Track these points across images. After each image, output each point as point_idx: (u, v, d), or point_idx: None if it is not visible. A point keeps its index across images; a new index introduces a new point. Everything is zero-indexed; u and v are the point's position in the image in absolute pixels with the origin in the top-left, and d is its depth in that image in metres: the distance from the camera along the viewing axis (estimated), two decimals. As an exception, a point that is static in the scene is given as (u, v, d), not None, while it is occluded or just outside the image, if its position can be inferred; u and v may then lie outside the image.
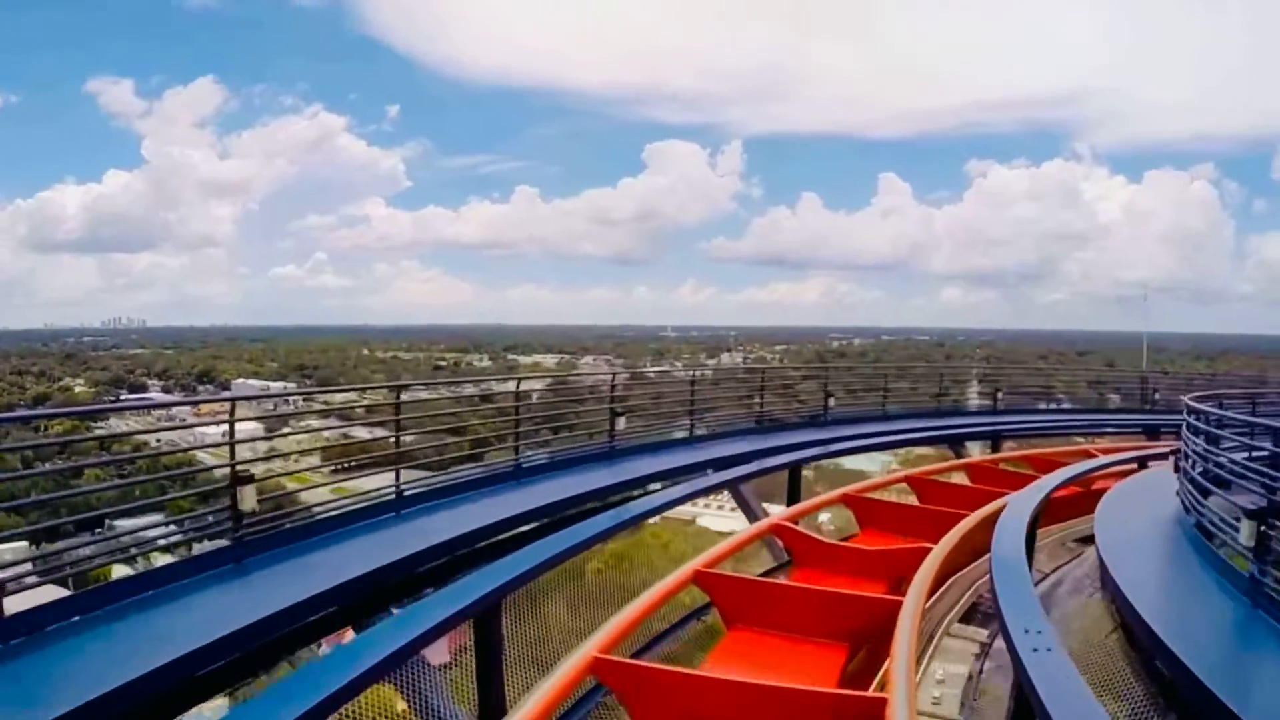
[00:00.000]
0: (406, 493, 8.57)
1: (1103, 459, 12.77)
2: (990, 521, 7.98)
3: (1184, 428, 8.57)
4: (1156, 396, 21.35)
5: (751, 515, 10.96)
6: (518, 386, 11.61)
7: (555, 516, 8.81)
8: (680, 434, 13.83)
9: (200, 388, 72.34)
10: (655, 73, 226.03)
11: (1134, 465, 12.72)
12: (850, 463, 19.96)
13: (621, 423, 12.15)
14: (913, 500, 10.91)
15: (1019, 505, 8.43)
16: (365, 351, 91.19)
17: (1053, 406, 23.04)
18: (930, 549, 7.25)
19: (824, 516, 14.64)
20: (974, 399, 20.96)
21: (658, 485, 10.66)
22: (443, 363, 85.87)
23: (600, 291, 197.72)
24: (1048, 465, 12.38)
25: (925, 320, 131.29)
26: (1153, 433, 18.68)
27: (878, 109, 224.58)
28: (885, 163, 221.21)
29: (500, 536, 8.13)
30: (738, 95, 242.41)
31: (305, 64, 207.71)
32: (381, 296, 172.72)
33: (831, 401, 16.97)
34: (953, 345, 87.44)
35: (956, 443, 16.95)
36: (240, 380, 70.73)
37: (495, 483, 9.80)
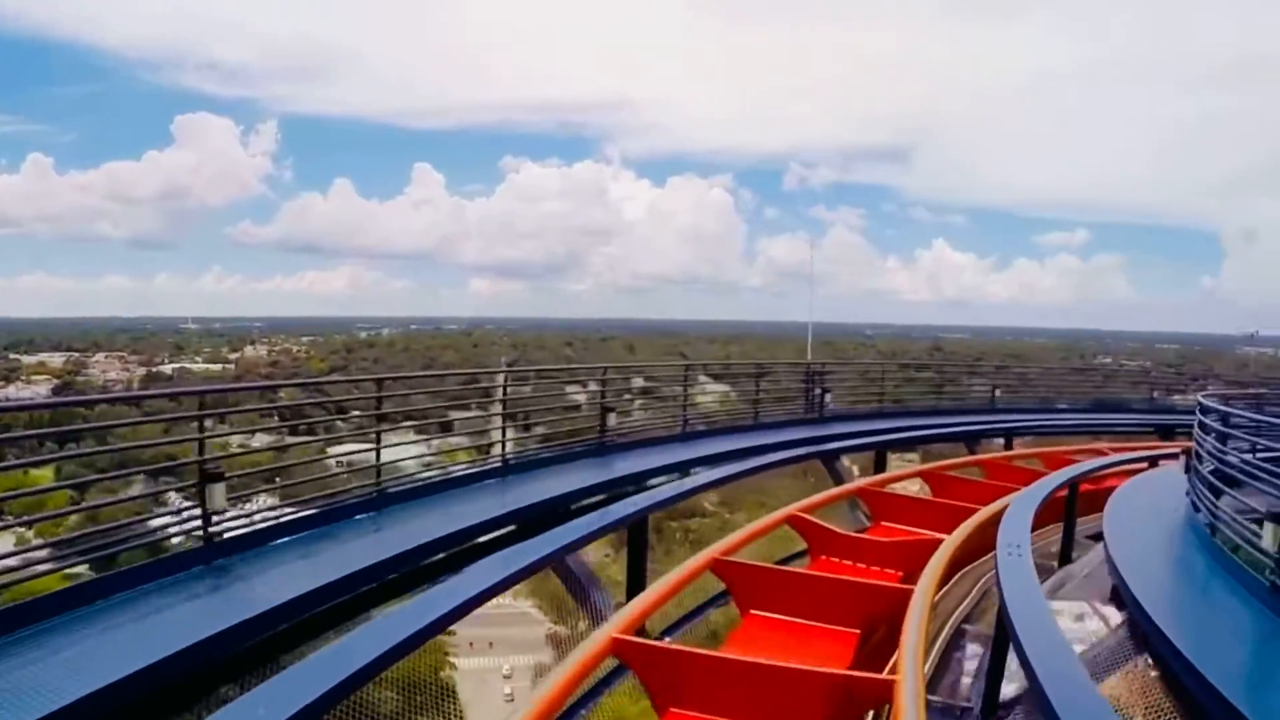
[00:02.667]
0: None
1: (1112, 457, 12.85)
2: (969, 542, 7.97)
3: (1195, 426, 8.59)
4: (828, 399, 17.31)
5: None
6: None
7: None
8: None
9: None
10: (196, 36, 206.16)
11: (1144, 464, 12.77)
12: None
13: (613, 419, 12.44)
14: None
15: (1024, 501, 8.55)
16: None
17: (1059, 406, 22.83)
18: (942, 540, 7.40)
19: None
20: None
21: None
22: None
23: (118, 279, 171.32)
24: (1059, 463, 12.46)
25: (454, 310, 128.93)
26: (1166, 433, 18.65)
27: (420, 99, 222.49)
28: (422, 153, 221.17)
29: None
30: (280, 71, 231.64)
31: None
32: None
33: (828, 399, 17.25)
34: (480, 334, 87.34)
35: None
36: None
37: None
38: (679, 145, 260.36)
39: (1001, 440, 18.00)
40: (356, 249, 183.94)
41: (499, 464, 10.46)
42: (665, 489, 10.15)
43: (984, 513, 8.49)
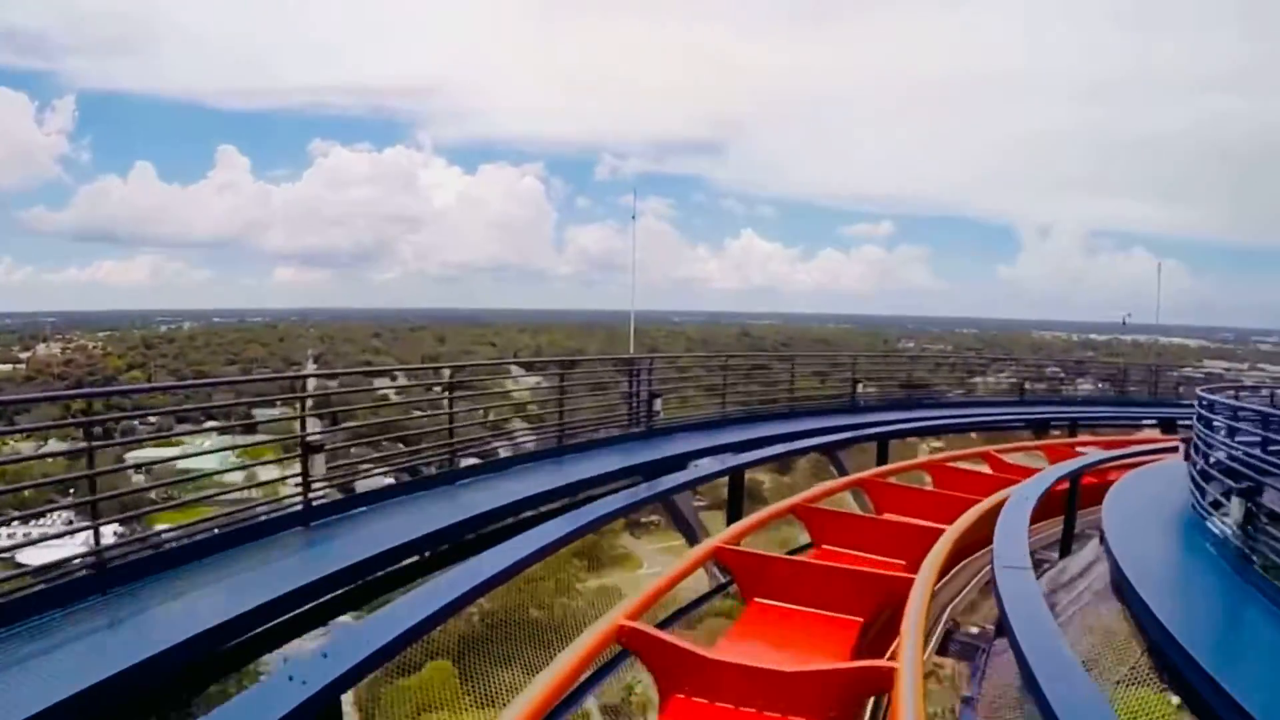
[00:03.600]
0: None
1: (1115, 450, 12.90)
2: (970, 532, 8.05)
3: (1195, 418, 8.68)
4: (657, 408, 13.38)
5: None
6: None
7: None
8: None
9: None
10: None
11: (1147, 457, 12.81)
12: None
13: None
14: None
15: (1023, 493, 8.64)
16: None
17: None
18: (944, 529, 7.50)
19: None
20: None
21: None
22: None
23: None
24: (1061, 455, 12.52)
25: (257, 301, 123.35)
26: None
27: (227, 78, 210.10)
28: (228, 135, 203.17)
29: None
30: (82, 43, 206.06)
31: None
32: None
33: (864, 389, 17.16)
34: (286, 326, 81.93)
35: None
36: None
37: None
38: (492, 133, 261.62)
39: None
40: (157, 237, 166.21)
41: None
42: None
43: (987, 502, 8.61)
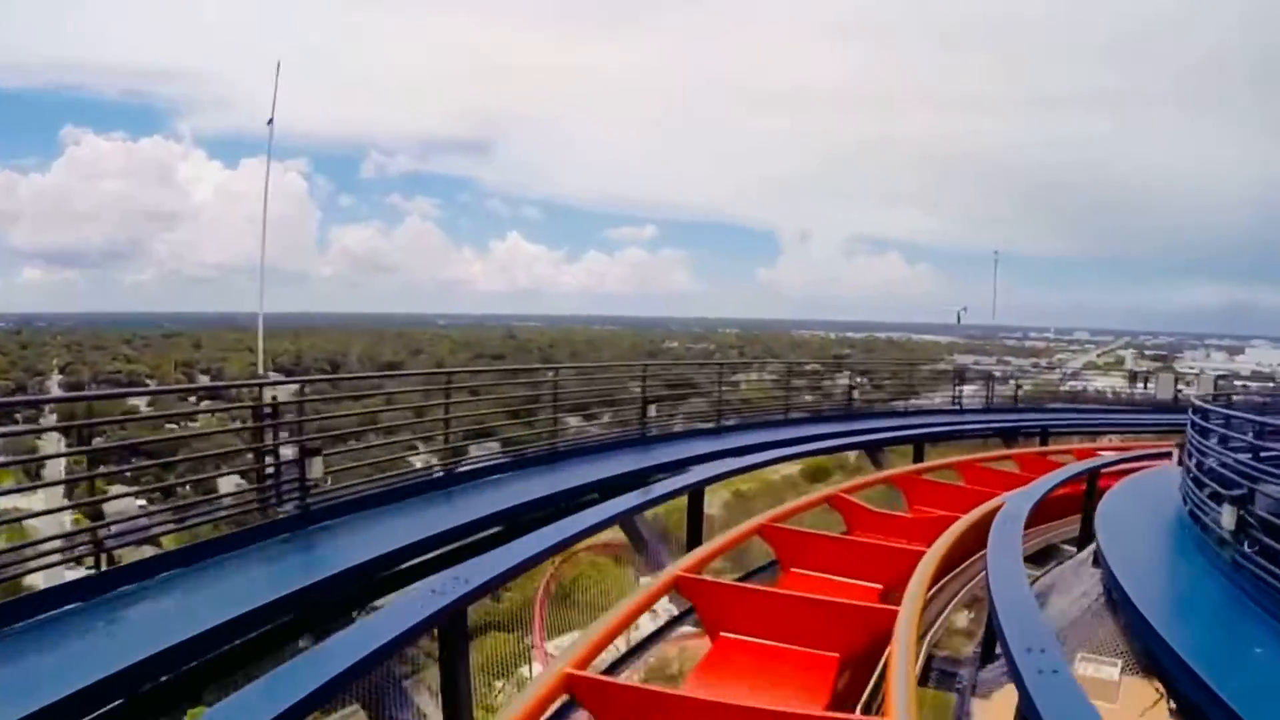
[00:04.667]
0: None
1: (1108, 456, 12.68)
2: (984, 522, 7.72)
3: (1189, 426, 8.58)
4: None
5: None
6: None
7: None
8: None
9: None
10: None
11: (1136, 464, 12.58)
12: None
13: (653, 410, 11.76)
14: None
15: (1013, 508, 8.15)
16: None
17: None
18: (924, 552, 6.93)
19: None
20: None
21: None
22: None
23: None
24: (1037, 464, 12.19)
25: (2, 304, 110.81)
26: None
27: None
28: None
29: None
30: None
31: None
32: None
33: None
34: (31, 333, 74.87)
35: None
36: None
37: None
38: (258, 124, 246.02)
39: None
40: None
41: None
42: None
43: (965, 520, 8.15)
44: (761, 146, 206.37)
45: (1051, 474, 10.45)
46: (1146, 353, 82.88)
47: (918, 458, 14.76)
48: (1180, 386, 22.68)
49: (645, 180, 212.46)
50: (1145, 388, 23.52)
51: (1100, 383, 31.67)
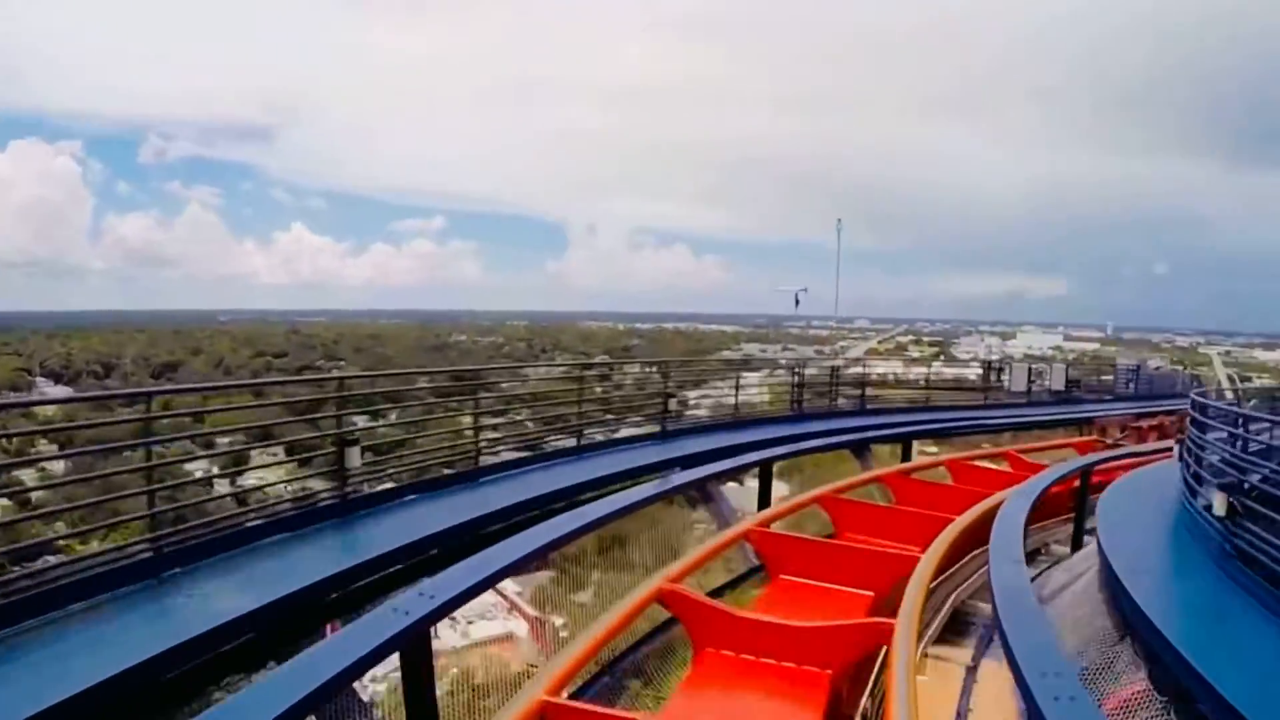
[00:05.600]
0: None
1: (1102, 453, 12.57)
2: (978, 524, 7.47)
3: (1188, 420, 8.49)
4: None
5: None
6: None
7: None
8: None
9: None
10: None
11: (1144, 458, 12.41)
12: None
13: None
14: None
15: (1012, 510, 7.83)
16: None
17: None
18: (918, 558, 6.62)
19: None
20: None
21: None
22: None
23: None
24: (1025, 462, 12.03)
25: None
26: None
27: None
28: None
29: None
30: None
31: None
32: None
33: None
34: None
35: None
36: None
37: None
38: (33, 102, 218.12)
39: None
40: None
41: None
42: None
43: (960, 522, 7.90)
44: (561, 141, 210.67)
45: (1045, 472, 10.28)
46: (924, 338, 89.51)
47: (905, 456, 14.47)
48: (1034, 379, 22.79)
49: (434, 170, 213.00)
50: (998, 380, 22.95)
51: (881, 368, 33.53)
